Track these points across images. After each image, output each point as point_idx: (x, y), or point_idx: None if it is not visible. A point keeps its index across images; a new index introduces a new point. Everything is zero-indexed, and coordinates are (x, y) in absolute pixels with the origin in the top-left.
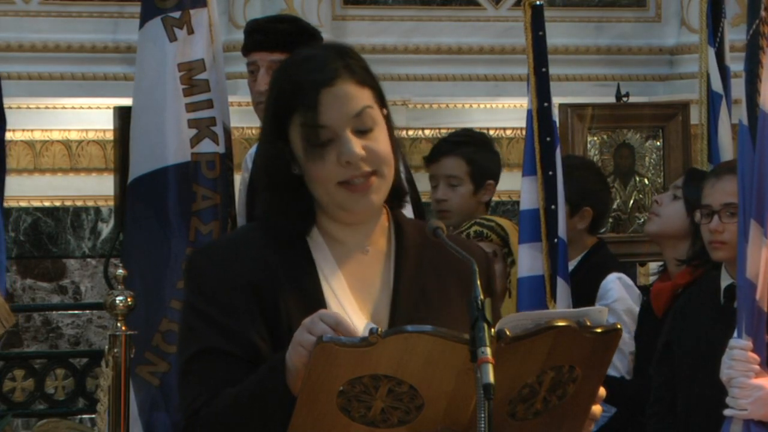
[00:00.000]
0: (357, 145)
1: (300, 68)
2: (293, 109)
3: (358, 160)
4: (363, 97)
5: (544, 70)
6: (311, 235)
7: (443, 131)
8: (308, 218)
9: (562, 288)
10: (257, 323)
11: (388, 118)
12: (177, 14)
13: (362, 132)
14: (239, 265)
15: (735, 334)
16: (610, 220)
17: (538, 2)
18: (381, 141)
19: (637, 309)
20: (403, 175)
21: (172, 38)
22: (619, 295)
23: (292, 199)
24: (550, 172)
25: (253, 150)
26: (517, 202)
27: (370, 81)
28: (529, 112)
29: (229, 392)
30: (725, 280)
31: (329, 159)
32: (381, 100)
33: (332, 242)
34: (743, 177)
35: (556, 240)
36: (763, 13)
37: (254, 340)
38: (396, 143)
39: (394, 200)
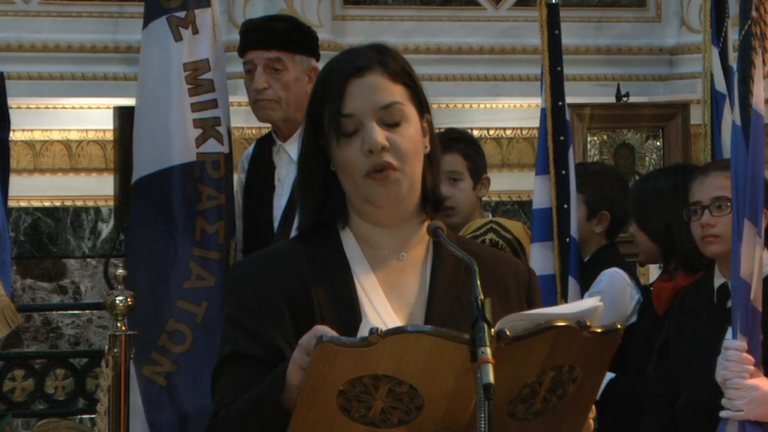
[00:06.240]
0: (380, 134)
1: (336, 61)
2: (325, 101)
3: (380, 149)
4: (394, 92)
5: (559, 69)
6: (345, 237)
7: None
8: (341, 214)
9: (573, 287)
10: (287, 330)
11: (429, 124)
12: (182, 14)
13: (389, 125)
14: (272, 274)
15: (729, 334)
16: None
17: (553, 0)
18: (406, 138)
19: (612, 300)
20: None
21: (178, 38)
22: (603, 286)
23: (326, 195)
24: (563, 172)
25: (249, 151)
26: (518, 202)
27: (406, 80)
28: (543, 110)
29: (244, 397)
30: (718, 280)
31: (354, 148)
32: (420, 104)
33: (366, 246)
34: (737, 177)
35: (567, 239)
36: (754, 14)
37: (280, 345)
38: (435, 151)
39: (431, 206)
